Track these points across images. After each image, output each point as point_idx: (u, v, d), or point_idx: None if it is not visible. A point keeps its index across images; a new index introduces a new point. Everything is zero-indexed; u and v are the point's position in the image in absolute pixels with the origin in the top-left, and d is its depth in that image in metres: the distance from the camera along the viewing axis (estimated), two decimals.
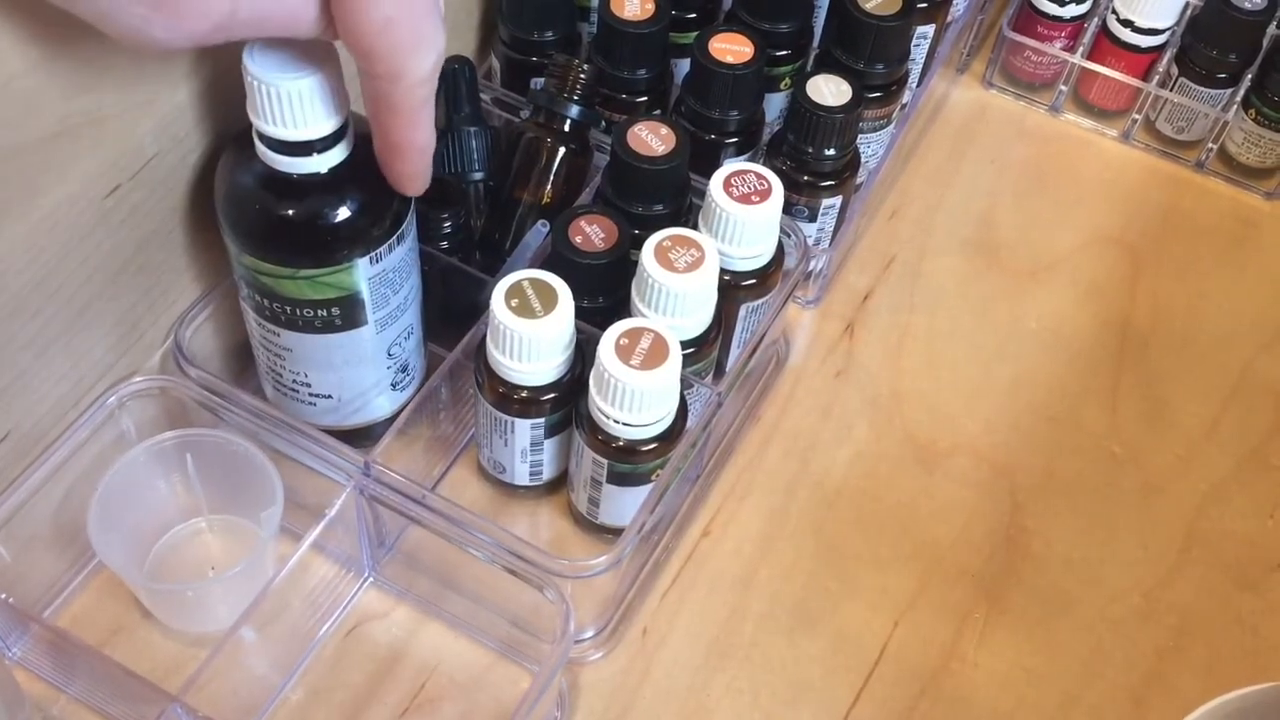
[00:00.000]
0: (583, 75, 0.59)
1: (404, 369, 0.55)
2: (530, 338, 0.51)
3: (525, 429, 0.54)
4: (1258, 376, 0.68)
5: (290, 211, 0.47)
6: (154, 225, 0.51)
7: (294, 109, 0.44)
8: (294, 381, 0.53)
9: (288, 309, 0.50)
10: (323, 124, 0.45)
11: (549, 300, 0.51)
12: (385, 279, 0.50)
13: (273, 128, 0.45)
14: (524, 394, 0.53)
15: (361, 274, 0.49)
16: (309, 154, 0.46)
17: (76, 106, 0.45)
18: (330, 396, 0.54)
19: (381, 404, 0.56)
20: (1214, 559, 0.61)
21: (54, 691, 0.52)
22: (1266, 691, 0.45)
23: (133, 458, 0.53)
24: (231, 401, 0.53)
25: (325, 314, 0.50)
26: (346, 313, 0.50)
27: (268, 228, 0.48)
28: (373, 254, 0.49)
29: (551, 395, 0.53)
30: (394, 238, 0.49)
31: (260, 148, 0.46)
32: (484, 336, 0.53)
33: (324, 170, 0.46)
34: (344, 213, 0.47)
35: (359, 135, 0.47)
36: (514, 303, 0.51)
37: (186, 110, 0.50)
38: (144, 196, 0.50)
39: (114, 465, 0.52)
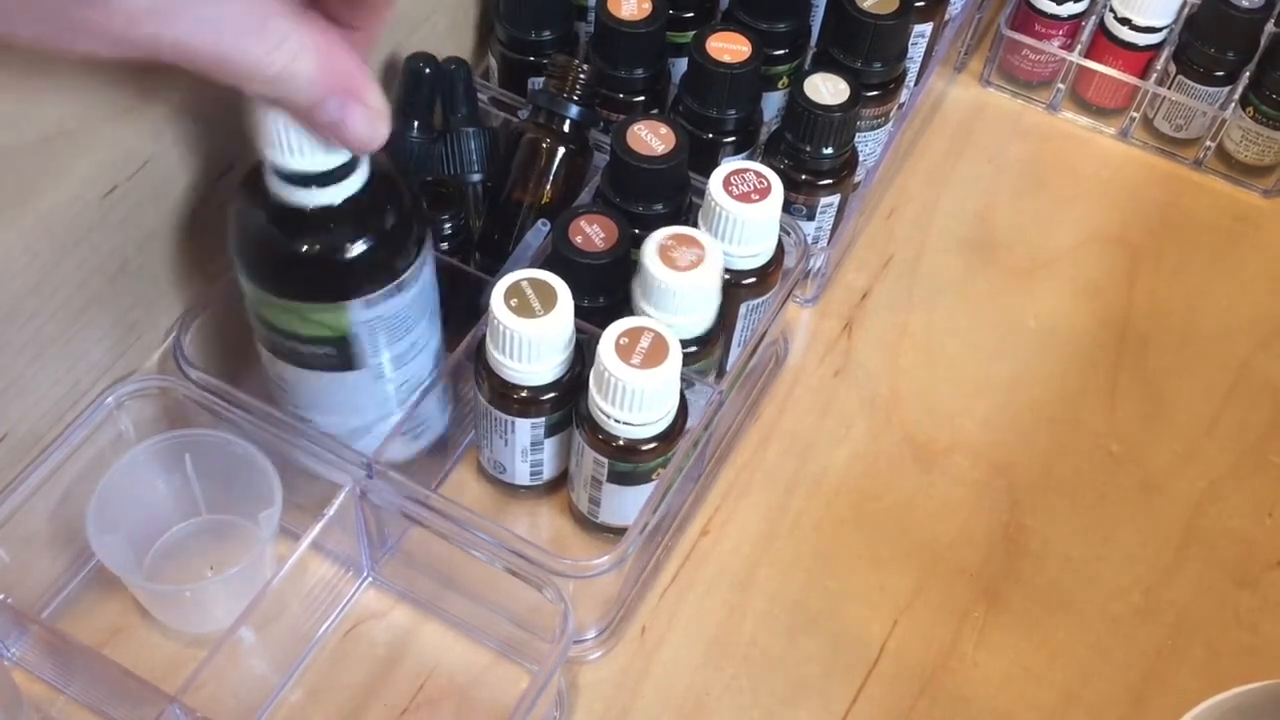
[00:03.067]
0: (582, 75, 0.58)
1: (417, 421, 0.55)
2: (530, 337, 0.51)
3: (525, 428, 0.54)
4: (1256, 374, 0.68)
5: (296, 243, 0.46)
6: (152, 226, 0.51)
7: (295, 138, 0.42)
8: (293, 417, 0.53)
9: (286, 341, 0.49)
10: (327, 157, 0.43)
11: (549, 300, 0.51)
12: (384, 324, 0.49)
13: (285, 158, 0.43)
14: (524, 394, 0.53)
15: (354, 317, 0.48)
16: (309, 186, 0.44)
17: (72, 108, 0.45)
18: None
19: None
20: (1212, 557, 0.61)
21: (52, 692, 0.52)
22: (1265, 689, 0.45)
23: (131, 458, 0.52)
24: (231, 401, 0.53)
25: (319, 351, 0.49)
26: (342, 353, 0.49)
27: (267, 254, 0.47)
28: (367, 299, 0.47)
29: (551, 395, 0.53)
30: (392, 285, 0.48)
31: (272, 180, 0.45)
32: (484, 336, 0.53)
33: (336, 203, 0.45)
34: (340, 251, 0.46)
35: (374, 173, 0.46)
36: (514, 302, 0.51)
37: (184, 112, 0.50)
38: (142, 198, 0.50)
39: (113, 465, 0.52)
